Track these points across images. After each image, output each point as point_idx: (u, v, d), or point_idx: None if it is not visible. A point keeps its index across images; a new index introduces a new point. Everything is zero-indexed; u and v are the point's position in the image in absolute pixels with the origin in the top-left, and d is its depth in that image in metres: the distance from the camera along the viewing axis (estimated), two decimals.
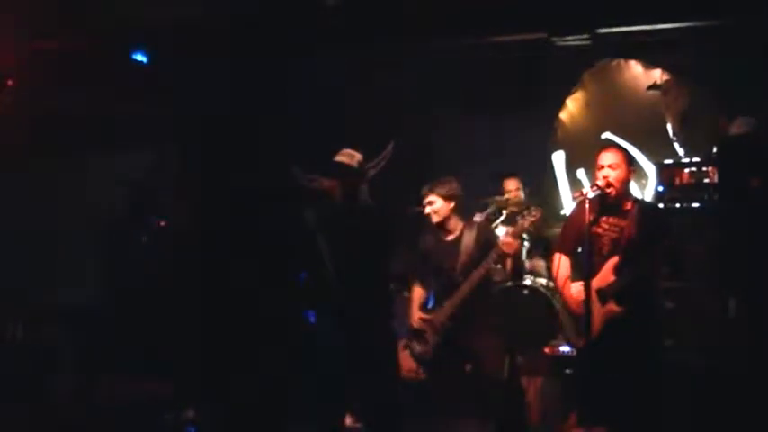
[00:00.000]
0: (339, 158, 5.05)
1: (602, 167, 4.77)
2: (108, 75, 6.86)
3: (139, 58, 7.02)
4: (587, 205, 4.64)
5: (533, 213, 5.20)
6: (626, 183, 4.83)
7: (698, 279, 5.82)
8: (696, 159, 6.32)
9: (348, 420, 5.38)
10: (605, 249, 4.77)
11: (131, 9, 6.63)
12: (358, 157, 5.05)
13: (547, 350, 6.10)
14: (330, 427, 4.99)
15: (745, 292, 5.51)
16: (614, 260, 4.71)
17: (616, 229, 4.78)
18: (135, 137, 7.11)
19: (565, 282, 4.90)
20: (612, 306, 4.68)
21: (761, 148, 5.87)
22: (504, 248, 4.97)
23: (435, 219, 5.18)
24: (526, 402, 5.60)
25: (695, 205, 6.14)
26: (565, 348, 5.99)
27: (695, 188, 6.18)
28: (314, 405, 5.00)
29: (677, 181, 6.28)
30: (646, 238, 4.69)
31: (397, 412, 4.98)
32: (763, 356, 5.21)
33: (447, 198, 5.16)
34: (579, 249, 4.89)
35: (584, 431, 4.79)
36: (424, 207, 5.24)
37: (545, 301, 6.52)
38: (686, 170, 6.27)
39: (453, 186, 5.22)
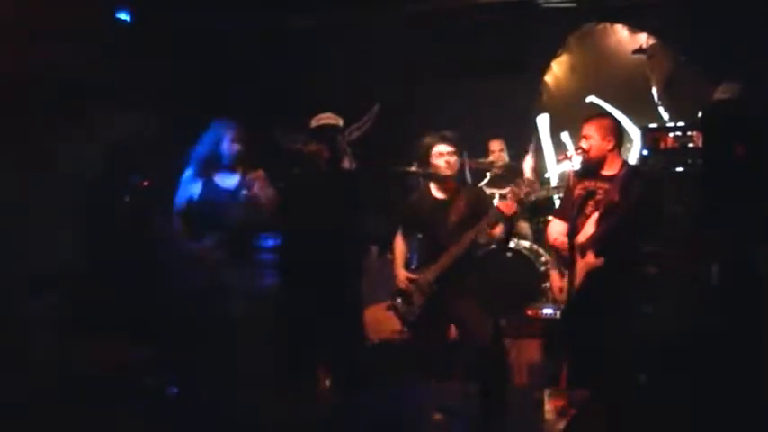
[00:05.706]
0: (324, 121, 5.05)
1: (582, 137, 4.84)
2: (89, 36, 6.70)
3: (123, 17, 6.85)
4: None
5: (528, 184, 4.99)
6: (602, 150, 4.82)
7: (680, 244, 5.85)
8: (681, 124, 6.34)
9: None
10: (588, 209, 4.82)
11: None
12: (340, 120, 5.04)
13: (530, 312, 6.11)
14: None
15: (727, 258, 5.54)
16: (595, 216, 4.76)
17: (600, 191, 4.82)
18: (113, 100, 6.95)
19: (556, 238, 4.95)
20: (590, 258, 4.73)
21: (745, 114, 5.87)
22: (504, 209, 4.86)
23: (448, 172, 4.90)
24: (509, 365, 5.62)
25: (679, 170, 6.16)
26: (548, 311, 6.01)
27: (679, 153, 6.19)
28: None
29: (662, 145, 6.29)
30: (626, 200, 4.73)
31: (363, 369, 5.04)
32: (742, 323, 5.24)
33: (460, 155, 5.04)
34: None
35: (567, 394, 4.84)
36: (432, 157, 4.91)
37: (528, 263, 6.53)
38: (671, 135, 6.28)
39: None
